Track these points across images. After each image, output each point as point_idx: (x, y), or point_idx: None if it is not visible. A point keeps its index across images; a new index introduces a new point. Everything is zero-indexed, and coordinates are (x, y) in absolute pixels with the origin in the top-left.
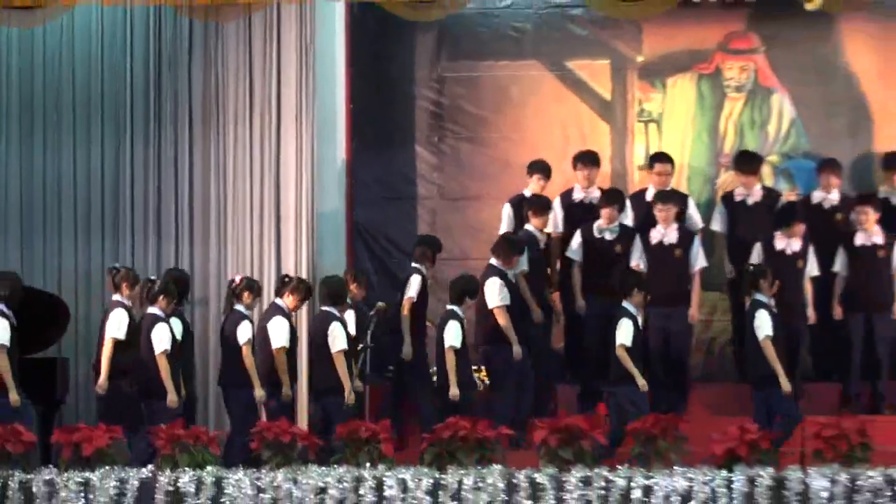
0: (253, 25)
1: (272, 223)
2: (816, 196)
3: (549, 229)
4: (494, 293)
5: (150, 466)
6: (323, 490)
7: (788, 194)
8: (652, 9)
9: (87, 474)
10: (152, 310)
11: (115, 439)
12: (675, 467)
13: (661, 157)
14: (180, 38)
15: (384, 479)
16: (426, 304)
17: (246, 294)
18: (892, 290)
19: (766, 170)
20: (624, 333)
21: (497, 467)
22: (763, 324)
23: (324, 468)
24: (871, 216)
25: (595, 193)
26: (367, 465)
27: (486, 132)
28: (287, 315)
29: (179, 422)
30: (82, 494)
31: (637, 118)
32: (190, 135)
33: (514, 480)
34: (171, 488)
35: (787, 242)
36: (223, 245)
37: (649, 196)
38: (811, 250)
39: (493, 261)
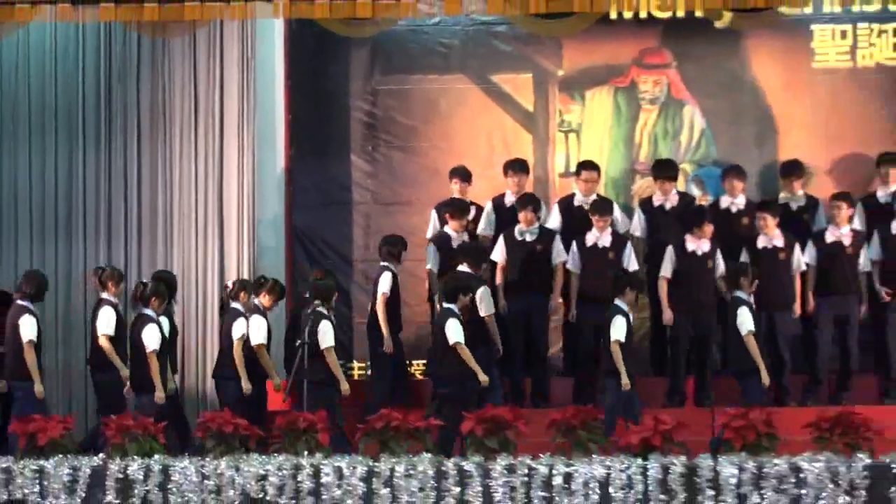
0: (197, 41)
1: (215, 227)
2: (724, 201)
3: (480, 232)
4: (485, 303)
5: (100, 455)
6: (264, 477)
7: (701, 199)
8: (572, 26)
9: (41, 462)
10: (147, 311)
11: (68, 430)
12: (593, 455)
13: (588, 165)
14: (129, 53)
15: (321, 466)
16: (399, 298)
17: (242, 294)
18: (793, 291)
19: (678, 177)
20: (618, 330)
21: (427, 456)
22: (745, 320)
23: (264, 457)
24: (769, 221)
25: None
26: (305, 453)
27: (417, 141)
28: (264, 314)
29: (129, 414)
30: (37, 481)
31: (558, 128)
32: (138, 144)
33: (443, 468)
34: (120, 475)
35: (698, 244)
36: (169, 248)
37: (577, 201)
38: (718, 251)
39: (466, 268)
